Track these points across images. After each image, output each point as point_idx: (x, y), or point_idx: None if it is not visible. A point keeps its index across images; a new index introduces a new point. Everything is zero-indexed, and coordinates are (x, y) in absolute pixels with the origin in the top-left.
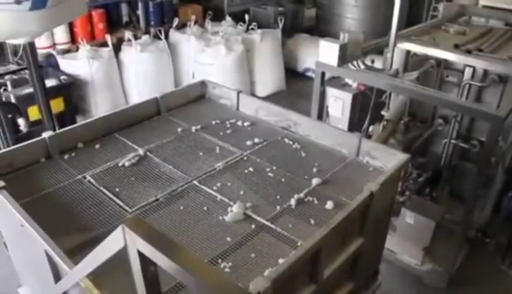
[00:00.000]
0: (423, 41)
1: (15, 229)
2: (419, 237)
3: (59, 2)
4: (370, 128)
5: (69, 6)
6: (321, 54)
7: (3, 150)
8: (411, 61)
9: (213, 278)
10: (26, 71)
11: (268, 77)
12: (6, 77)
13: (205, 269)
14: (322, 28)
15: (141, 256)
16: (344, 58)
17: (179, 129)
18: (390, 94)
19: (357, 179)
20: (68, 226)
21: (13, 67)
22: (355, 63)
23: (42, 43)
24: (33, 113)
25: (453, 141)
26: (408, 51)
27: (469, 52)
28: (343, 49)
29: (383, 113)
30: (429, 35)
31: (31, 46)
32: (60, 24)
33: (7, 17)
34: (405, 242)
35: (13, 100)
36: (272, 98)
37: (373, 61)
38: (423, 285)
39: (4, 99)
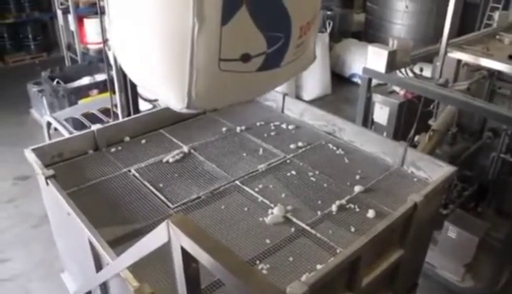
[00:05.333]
0: (475, 50)
1: (61, 216)
2: (461, 252)
3: (294, 58)
4: (416, 138)
5: (301, 60)
6: (369, 59)
7: (54, 140)
8: (462, 71)
9: (253, 279)
10: None
11: (314, 81)
12: None
13: (246, 270)
14: (371, 34)
15: (184, 252)
16: (392, 65)
17: (224, 129)
18: (438, 104)
19: (400, 189)
20: (111, 218)
21: None
22: (403, 70)
23: (94, 39)
24: None
25: (502, 155)
26: (459, 61)
27: None
28: (392, 55)
29: (430, 122)
30: (482, 45)
31: None
32: (286, 81)
33: (227, 78)
34: (446, 257)
35: None
36: (317, 102)
37: (422, 69)
38: None
39: None
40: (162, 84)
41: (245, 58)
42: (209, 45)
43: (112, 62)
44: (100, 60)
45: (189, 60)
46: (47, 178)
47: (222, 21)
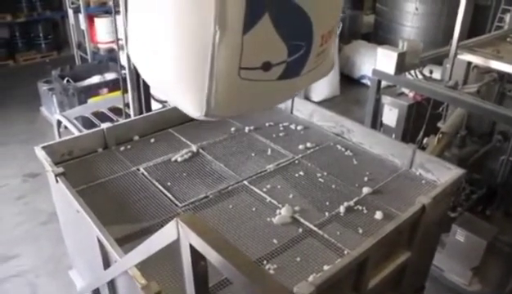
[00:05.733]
0: (485, 53)
1: (70, 213)
2: (468, 256)
3: (315, 66)
4: (425, 140)
5: (321, 68)
6: (379, 61)
7: (64, 138)
8: (472, 73)
9: (261, 278)
10: None
11: (323, 83)
12: None
13: (254, 269)
14: (380, 36)
15: (193, 250)
16: (402, 67)
17: (232, 128)
18: (447, 106)
19: (408, 191)
20: (119, 216)
21: None
22: (412, 72)
23: (104, 38)
24: None
25: None
26: (469, 63)
27: None
28: (402, 57)
29: (439, 125)
30: (493, 47)
31: None
32: (304, 88)
33: (246, 87)
34: (453, 260)
35: None
36: (326, 104)
37: (431, 72)
38: None
39: None
40: (180, 92)
41: (266, 67)
42: (230, 53)
43: (125, 62)
44: (110, 59)
45: (209, 68)
46: (56, 175)
47: (244, 29)
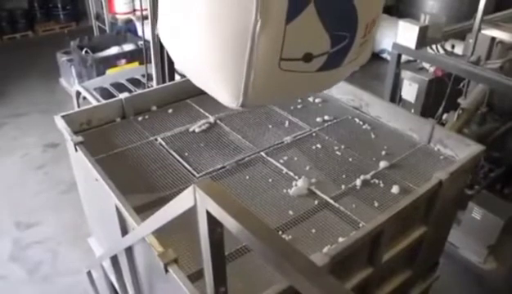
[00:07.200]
0: (511, 28)
1: (89, 182)
2: (484, 234)
3: (355, 57)
4: (444, 116)
5: (360, 58)
6: (399, 35)
7: (83, 108)
8: (496, 49)
9: (279, 244)
10: None
11: None
12: None
13: (272, 236)
14: (402, 9)
15: (210, 216)
16: (423, 41)
17: None
18: (469, 82)
19: (426, 166)
20: (137, 185)
21: None
22: (434, 47)
23: (122, 9)
24: None
25: None
26: (493, 38)
27: None
28: (423, 31)
29: (459, 101)
30: None
31: None
32: (343, 79)
33: (285, 77)
34: (469, 238)
35: None
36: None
37: (453, 46)
38: (483, 284)
39: None
40: (216, 81)
41: (308, 58)
42: (271, 43)
43: (144, 32)
44: (128, 29)
45: (247, 58)
46: (75, 144)
47: (287, 19)
